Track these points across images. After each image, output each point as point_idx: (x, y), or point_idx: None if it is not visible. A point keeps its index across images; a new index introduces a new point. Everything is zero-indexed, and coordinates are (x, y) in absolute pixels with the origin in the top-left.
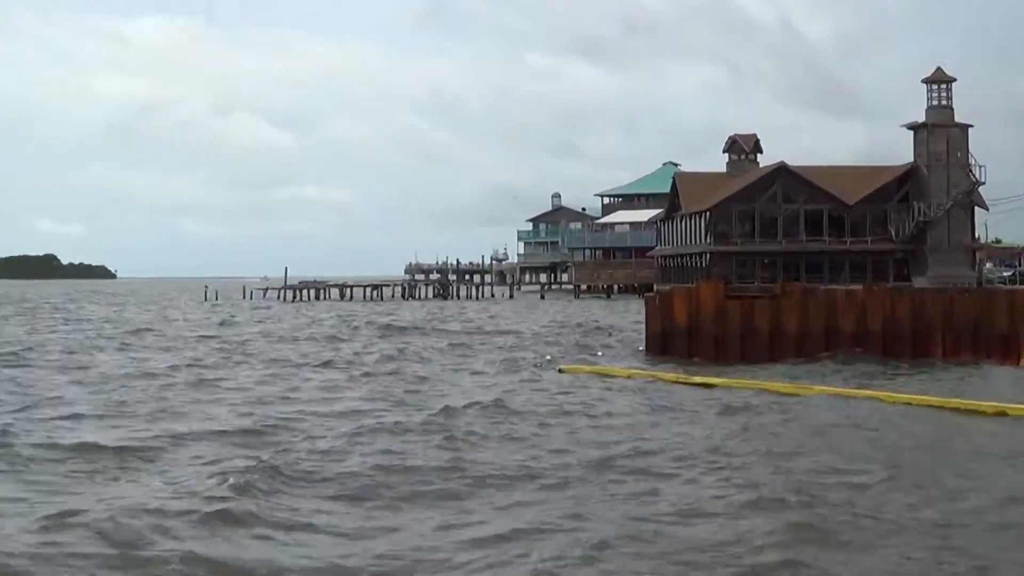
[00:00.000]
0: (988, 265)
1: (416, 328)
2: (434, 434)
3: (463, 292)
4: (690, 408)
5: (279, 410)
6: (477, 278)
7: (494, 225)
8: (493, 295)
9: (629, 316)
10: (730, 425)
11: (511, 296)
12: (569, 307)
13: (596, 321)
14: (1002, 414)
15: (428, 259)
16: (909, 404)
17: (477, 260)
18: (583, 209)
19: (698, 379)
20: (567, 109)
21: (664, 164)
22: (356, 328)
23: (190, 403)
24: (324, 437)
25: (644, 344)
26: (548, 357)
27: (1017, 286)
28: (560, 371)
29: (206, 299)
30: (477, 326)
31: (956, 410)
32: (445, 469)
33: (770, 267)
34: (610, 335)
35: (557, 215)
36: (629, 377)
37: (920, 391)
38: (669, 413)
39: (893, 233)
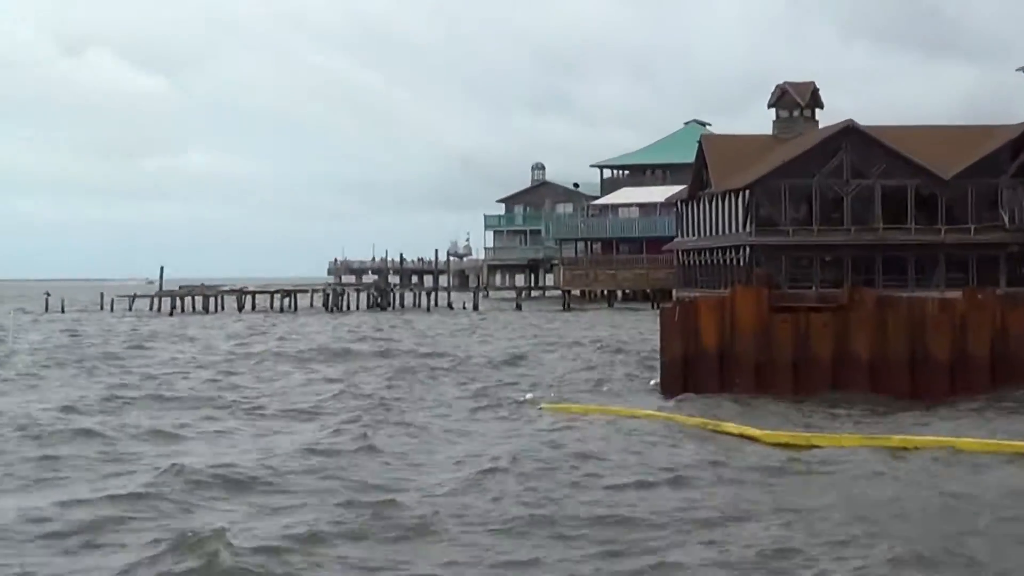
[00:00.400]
0: None
1: (340, 354)
2: None
3: (409, 300)
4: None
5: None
6: (429, 281)
7: (451, 208)
8: (451, 304)
9: (638, 333)
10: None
11: (475, 306)
12: (555, 321)
13: (598, 341)
14: None
15: (360, 254)
16: None
17: (428, 256)
18: (575, 185)
19: (763, 435)
20: (553, 47)
21: (687, 124)
22: (258, 359)
23: None
24: None
25: (659, 375)
26: (528, 396)
27: None
28: (541, 410)
29: (46, 310)
30: (428, 350)
31: None
32: None
33: (833, 266)
34: (613, 361)
35: (539, 194)
36: (637, 417)
37: None
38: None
39: (1006, 219)
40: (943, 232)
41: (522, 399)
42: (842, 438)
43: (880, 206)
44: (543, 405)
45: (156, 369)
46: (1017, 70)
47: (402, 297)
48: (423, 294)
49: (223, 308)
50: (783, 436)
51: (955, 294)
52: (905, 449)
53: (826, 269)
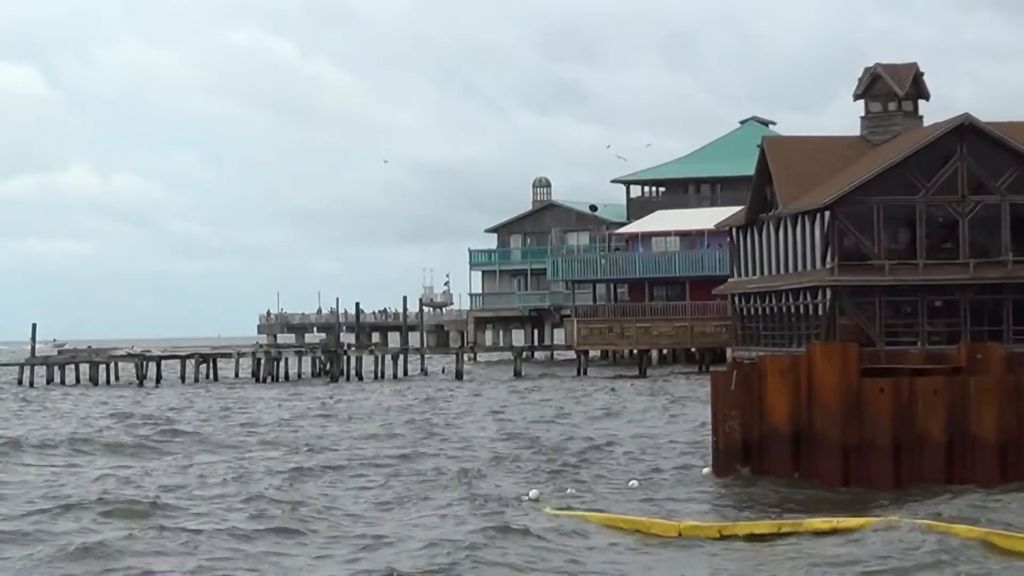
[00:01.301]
0: None
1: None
2: None
3: (368, 367)
4: None
5: None
6: (395, 339)
7: (426, 241)
8: (425, 370)
9: (681, 410)
10: None
11: (458, 374)
12: (567, 392)
13: (615, 425)
14: None
15: (302, 305)
16: None
17: (395, 306)
18: (592, 208)
19: None
20: (560, 21)
21: (744, 123)
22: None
23: None
24: None
25: (711, 461)
26: (530, 495)
27: None
28: (550, 514)
29: None
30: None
31: None
32: None
33: (946, 313)
34: (646, 450)
35: (543, 220)
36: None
37: None
38: None
39: None
40: None
41: (527, 497)
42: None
43: (1009, 231)
44: (551, 508)
45: None
46: None
47: (359, 362)
48: (387, 359)
49: (116, 378)
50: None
51: None
52: None
53: (936, 317)
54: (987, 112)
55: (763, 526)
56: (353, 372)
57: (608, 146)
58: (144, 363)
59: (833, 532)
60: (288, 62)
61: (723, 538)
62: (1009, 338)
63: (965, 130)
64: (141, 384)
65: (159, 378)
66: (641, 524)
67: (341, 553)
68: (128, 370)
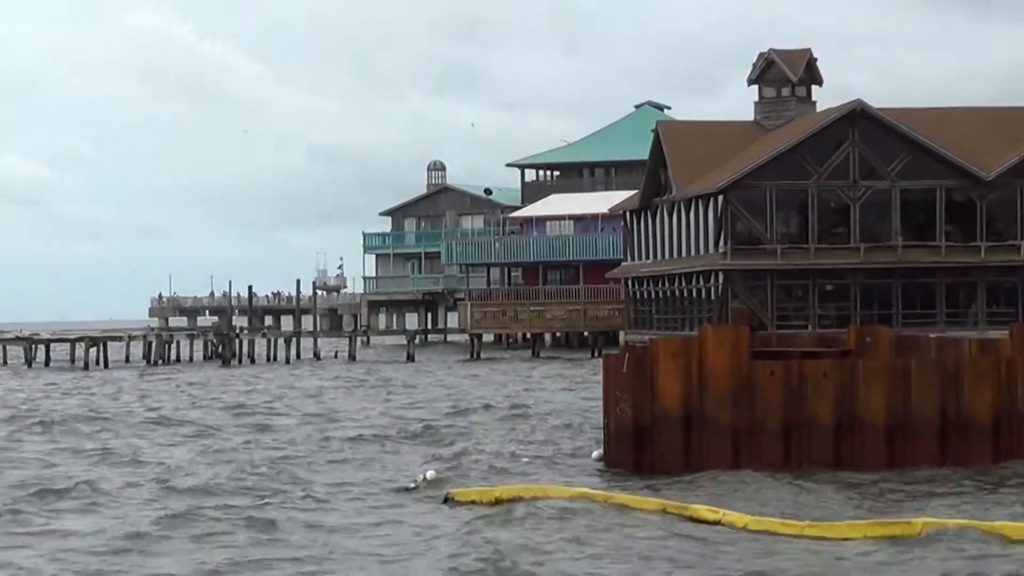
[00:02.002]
0: None
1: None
2: None
3: (260, 350)
4: None
5: None
6: (288, 322)
7: (319, 225)
8: (318, 355)
9: (574, 394)
10: None
11: (352, 356)
12: (461, 376)
13: (513, 406)
14: None
15: (194, 289)
16: None
17: (288, 290)
18: (487, 192)
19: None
20: (458, 4)
21: (639, 107)
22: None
23: None
24: None
25: (603, 445)
26: (426, 475)
27: None
28: (448, 501)
29: None
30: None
31: None
32: None
33: (837, 297)
34: (538, 428)
35: (438, 204)
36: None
37: None
38: None
39: None
40: (983, 251)
41: (412, 484)
42: (845, 527)
43: (900, 217)
44: (450, 492)
45: None
46: None
47: (252, 345)
48: (280, 342)
49: (5, 363)
50: (773, 523)
51: (1000, 333)
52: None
53: (827, 301)
54: (880, 98)
55: (651, 502)
56: (246, 355)
57: (472, 124)
58: (32, 346)
59: (717, 523)
60: (185, 44)
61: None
62: (898, 322)
63: (857, 116)
64: (30, 366)
65: (48, 361)
66: (544, 490)
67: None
68: (16, 353)
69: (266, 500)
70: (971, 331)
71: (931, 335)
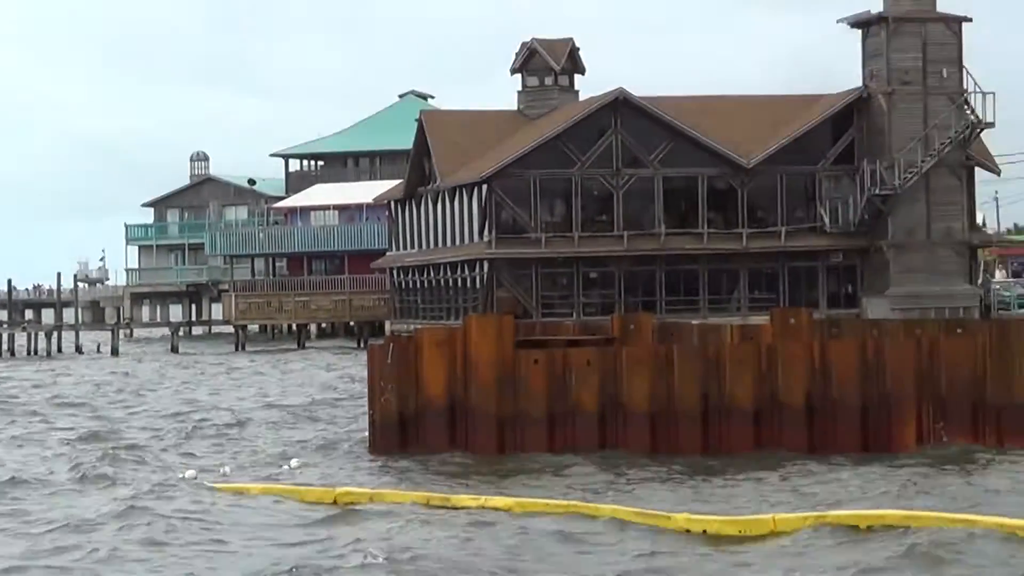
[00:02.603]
0: (999, 275)
1: None
2: None
3: (20, 344)
4: None
5: None
6: (50, 316)
7: (80, 216)
8: (80, 348)
9: (340, 384)
10: None
11: (114, 351)
12: (223, 368)
13: (279, 398)
14: None
15: None
16: None
17: (48, 282)
18: (250, 183)
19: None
20: None
21: (403, 96)
22: None
23: None
24: None
25: (368, 434)
26: (187, 474)
27: None
28: (213, 490)
29: None
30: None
31: None
32: None
33: (601, 284)
34: (301, 419)
35: (201, 194)
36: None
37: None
38: None
39: (826, 218)
40: (745, 238)
41: (181, 476)
42: (547, 506)
43: (662, 204)
44: (215, 484)
45: None
46: (839, 22)
47: (11, 339)
48: (39, 336)
49: None
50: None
51: (761, 319)
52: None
53: (591, 289)
54: (644, 87)
55: (415, 496)
56: (5, 349)
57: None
58: None
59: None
60: None
61: (372, 502)
62: (662, 309)
63: (619, 104)
64: None
65: None
66: (297, 492)
67: None
68: None
69: None
70: (734, 317)
71: (694, 322)
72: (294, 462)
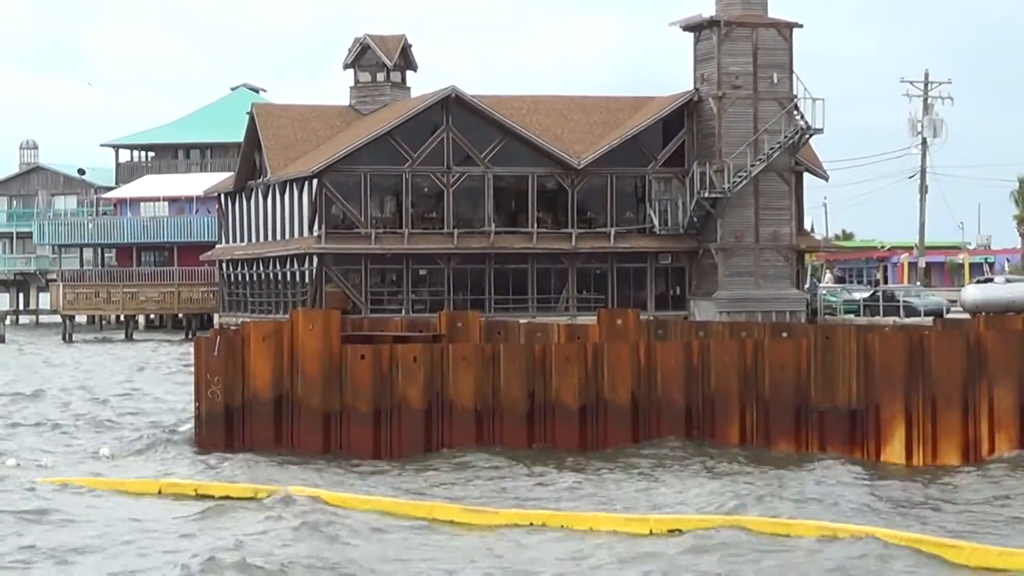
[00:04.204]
0: (826, 279)
1: None
2: None
3: None
4: None
5: None
6: None
7: None
8: None
9: (167, 377)
10: None
11: None
12: (47, 360)
13: (101, 391)
14: None
15: None
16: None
17: None
18: (80, 172)
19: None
20: None
21: (235, 89)
22: None
23: None
24: None
25: (194, 427)
26: (8, 463)
27: (878, 319)
28: (35, 486)
29: None
30: None
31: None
32: None
33: (430, 281)
34: (125, 413)
35: (30, 183)
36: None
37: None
38: None
39: (656, 220)
40: (574, 237)
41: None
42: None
43: (492, 203)
44: (41, 479)
45: None
46: (671, 25)
47: None
48: None
49: None
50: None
51: (590, 319)
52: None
53: (421, 286)
54: (478, 86)
55: (239, 488)
56: None
57: (89, 83)
58: None
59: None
60: None
61: (199, 497)
62: (491, 307)
63: (451, 102)
64: None
65: None
66: (121, 484)
67: None
68: None
69: None
70: (562, 317)
71: (522, 320)
72: (104, 449)
